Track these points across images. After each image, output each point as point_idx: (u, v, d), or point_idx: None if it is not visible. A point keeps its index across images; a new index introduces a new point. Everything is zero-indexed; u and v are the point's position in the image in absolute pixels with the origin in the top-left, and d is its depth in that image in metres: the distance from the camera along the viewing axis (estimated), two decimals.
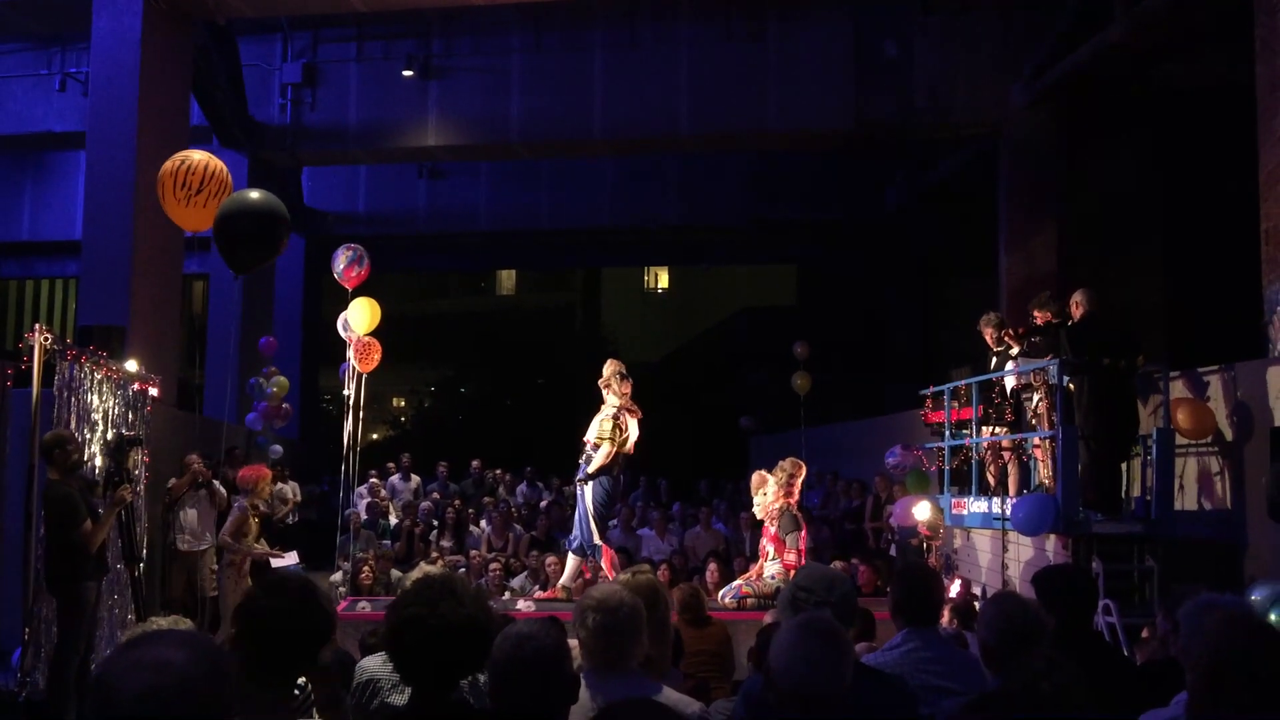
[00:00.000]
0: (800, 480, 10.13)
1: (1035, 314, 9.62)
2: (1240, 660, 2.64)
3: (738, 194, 22.32)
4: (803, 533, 9.80)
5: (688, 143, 18.36)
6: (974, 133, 17.06)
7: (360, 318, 11.49)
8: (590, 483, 9.97)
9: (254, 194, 8.74)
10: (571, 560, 10.26)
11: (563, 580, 10.26)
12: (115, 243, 13.36)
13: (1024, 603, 3.72)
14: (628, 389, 10.09)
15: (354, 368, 11.55)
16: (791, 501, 9.91)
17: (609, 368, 10.23)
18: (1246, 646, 2.68)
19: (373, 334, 11.71)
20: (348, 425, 11.42)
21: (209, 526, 10.76)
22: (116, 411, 9.33)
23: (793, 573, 9.32)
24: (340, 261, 11.52)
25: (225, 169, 8.95)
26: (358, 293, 11.67)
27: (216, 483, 11.02)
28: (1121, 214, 16.13)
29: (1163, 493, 8.34)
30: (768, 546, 9.94)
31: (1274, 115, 9.75)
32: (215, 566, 10.59)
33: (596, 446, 9.94)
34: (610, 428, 9.92)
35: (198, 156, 8.89)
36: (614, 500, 10.40)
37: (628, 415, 10.00)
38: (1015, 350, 9.68)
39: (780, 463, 10.11)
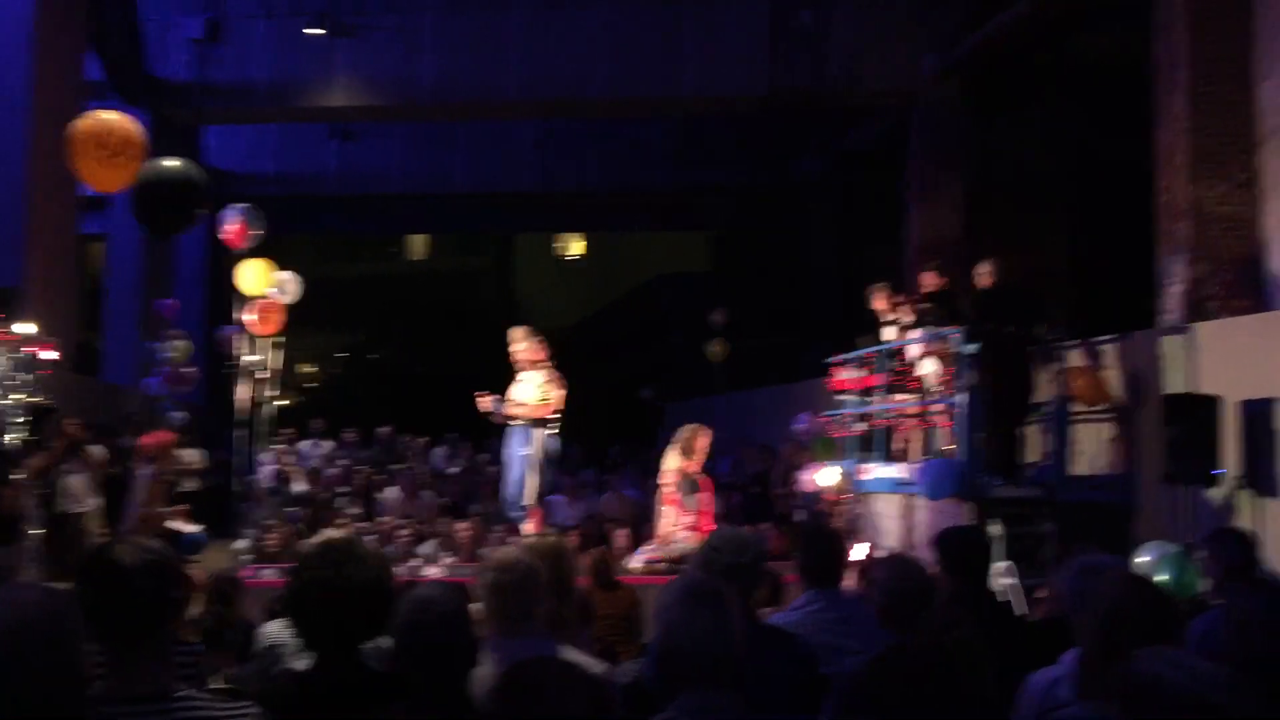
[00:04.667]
0: (702, 445, 9.95)
1: (925, 281, 9.80)
2: (1129, 618, 2.73)
3: (656, 160, 22.23)
4: (701, 494, 9.75)
5: (603, 107, 18.23)
6: (886, 102, 17.22)
7: (250, 278, 11.29)
8: (528, 443, 9.43)
9: (173, 161, 8.55)
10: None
11: None
12: (8, 201, 12.89)
13: (913, 563, 3.82)
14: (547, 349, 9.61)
15: (246, 331, 11.30)
16: (689, 466, 9.87)
17: (521, 337, 9.58)
18: (1134, 605, 2.77)
19: None
20: (248, 390, 11.18)
21: (89, 489, 10.45)
22: (11, 375, 9.04)
23: (693, 535, 9.36)
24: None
25: (143, 132, 8.67)
26: (256, 254, 11.42)
27: (96, 446, 10.65)
28: (1027, 183, 16.44)
29: (1059, 458, 8.58)
30: (668, 510, 9.84)
31: (1170, 92, 9.97)
32: (103, 530, 10.31)
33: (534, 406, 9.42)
34: (551, 391, 9.39)
35: (112, 116, 8.56)
36: (550, 461, 9.69)
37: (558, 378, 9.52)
38: (908, 319, 9.84)
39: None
